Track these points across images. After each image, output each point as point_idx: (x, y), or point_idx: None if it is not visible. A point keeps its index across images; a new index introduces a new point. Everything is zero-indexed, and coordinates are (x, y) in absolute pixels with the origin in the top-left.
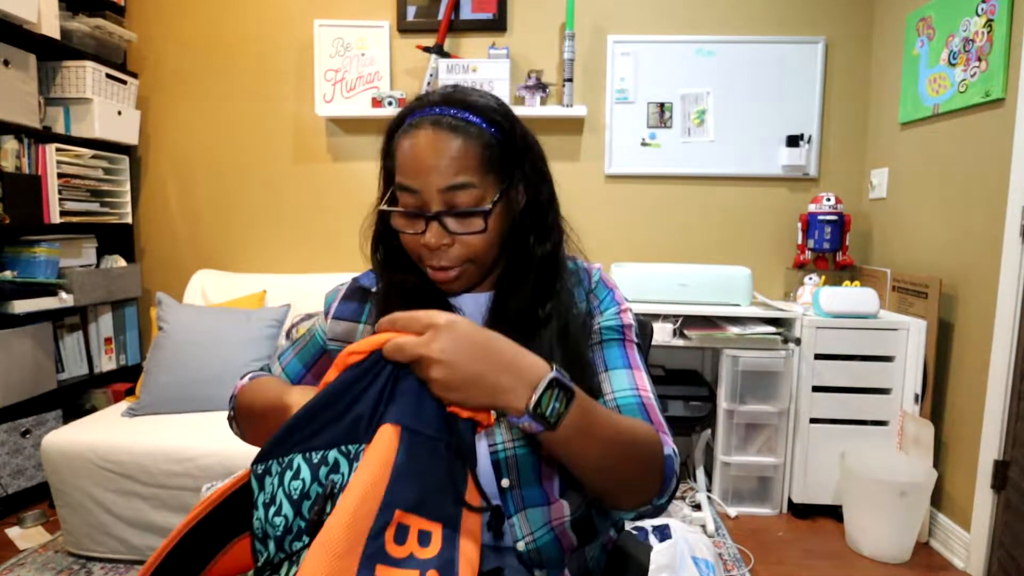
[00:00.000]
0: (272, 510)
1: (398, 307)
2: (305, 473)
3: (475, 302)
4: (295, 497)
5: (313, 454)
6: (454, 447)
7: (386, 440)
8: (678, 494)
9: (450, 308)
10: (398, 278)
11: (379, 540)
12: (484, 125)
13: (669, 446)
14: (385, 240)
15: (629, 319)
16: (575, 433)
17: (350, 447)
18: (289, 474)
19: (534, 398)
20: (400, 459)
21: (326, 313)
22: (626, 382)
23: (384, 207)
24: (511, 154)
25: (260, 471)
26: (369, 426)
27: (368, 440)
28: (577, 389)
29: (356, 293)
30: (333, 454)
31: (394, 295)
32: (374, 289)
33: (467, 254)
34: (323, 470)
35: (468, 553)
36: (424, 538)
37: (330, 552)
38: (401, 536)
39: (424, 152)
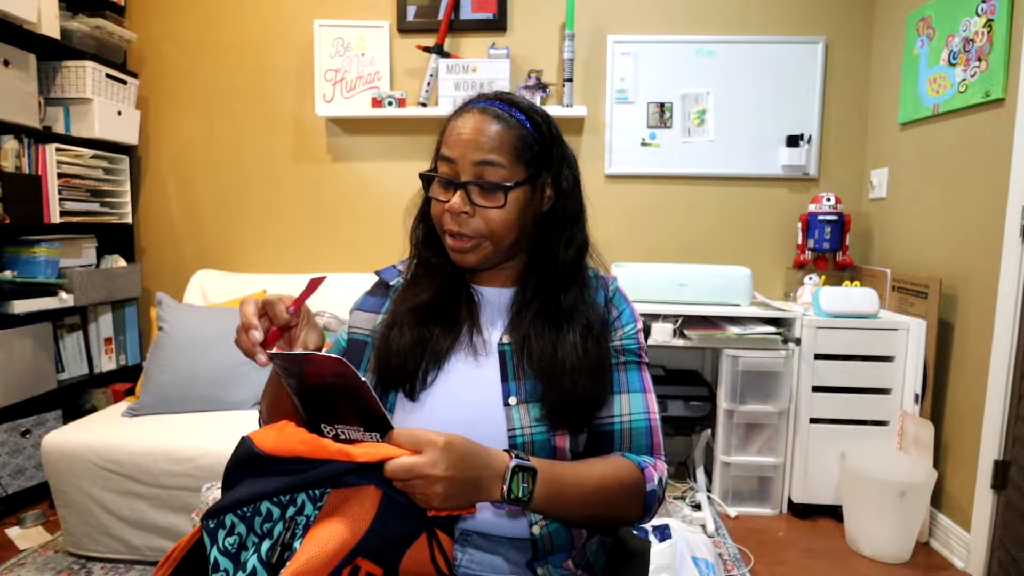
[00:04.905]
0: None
1: (424, 283)
2: (275, 517)
3: (499, 296)
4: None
5: (282, 497)
6: (427, 520)
7: (369, 499)
8: (678, 494)
9: (470, 295)
10: (426, 255)
11: None
12: (525, 122)
13: (654, 480)
14: (426, 219)
15: (643, 339)
16: (548, 500)
17: (316, 491)
18: (268, 543)
19: (505, 488)
20: (376, 521)
21: (355, 308)
22: (641, 406)
23: (425, 172)
24: (544, 154)
25: (212, 526)
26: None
27: (335, 486)
28: (538, 465)
29: (379, 288)
30: (301, 497)
31: (422, 272)
32: (392, 283)
33: (484, 228)
34: (290, 510)
35: None
36: None
37: None
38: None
39: (467, 129)
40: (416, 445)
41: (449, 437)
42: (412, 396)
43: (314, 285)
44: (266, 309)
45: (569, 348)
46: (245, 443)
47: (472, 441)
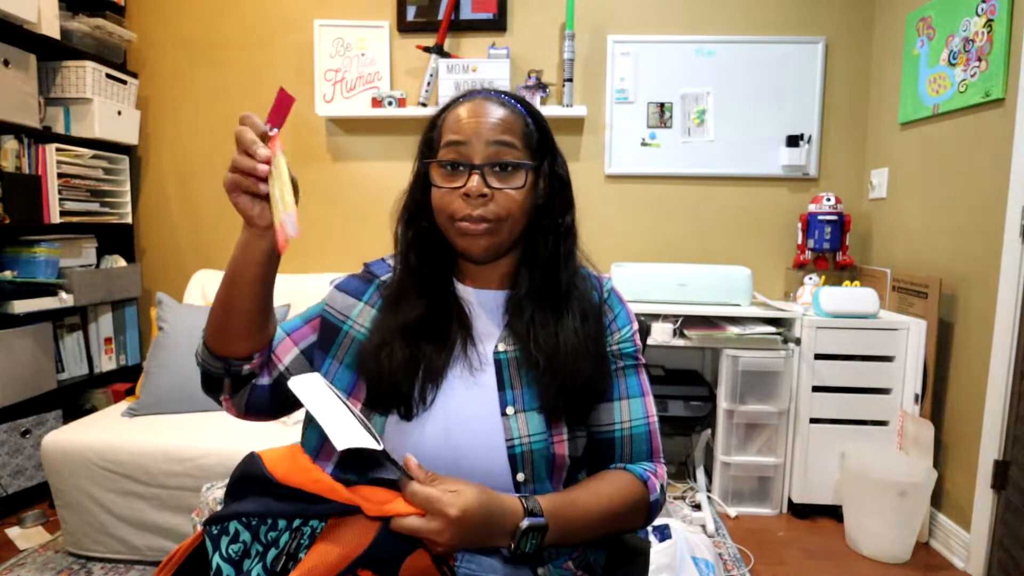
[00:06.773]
0: None
1: (413, 297)
2: (281, 527)
3: (493, 299)
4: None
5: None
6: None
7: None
8: (678, 494)
9: (459, 302)
10: (415, 264)
11: None
12: (525, 112)
13: (656, 490)
14: (415, 221)
15: (639, 340)
16: (557, 541)
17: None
18: (273, 551)
19: (513, 544)
20: (380, 535)
21: (335, 286)
22: (641, 411)
23: (431, 160)
24: (542, 145)
25: (215, 532)
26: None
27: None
28: (547, 508)
29: (365, 275)
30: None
31: (409, 281)
32: (383, 277)
33: (502, 211)
34: (297, 521)
35: None
36: None
37: None
38: None
39: (476, 111)
40: (429, 510)
41: (464, 509)
42: (408, 417)
43: (284, 98)
44: (247, 123)
45: (570, 333)
46: (256, 462)
47: (488, 504)
